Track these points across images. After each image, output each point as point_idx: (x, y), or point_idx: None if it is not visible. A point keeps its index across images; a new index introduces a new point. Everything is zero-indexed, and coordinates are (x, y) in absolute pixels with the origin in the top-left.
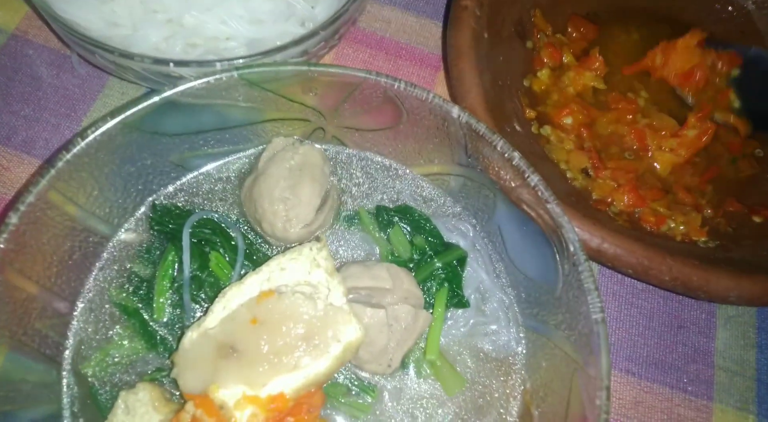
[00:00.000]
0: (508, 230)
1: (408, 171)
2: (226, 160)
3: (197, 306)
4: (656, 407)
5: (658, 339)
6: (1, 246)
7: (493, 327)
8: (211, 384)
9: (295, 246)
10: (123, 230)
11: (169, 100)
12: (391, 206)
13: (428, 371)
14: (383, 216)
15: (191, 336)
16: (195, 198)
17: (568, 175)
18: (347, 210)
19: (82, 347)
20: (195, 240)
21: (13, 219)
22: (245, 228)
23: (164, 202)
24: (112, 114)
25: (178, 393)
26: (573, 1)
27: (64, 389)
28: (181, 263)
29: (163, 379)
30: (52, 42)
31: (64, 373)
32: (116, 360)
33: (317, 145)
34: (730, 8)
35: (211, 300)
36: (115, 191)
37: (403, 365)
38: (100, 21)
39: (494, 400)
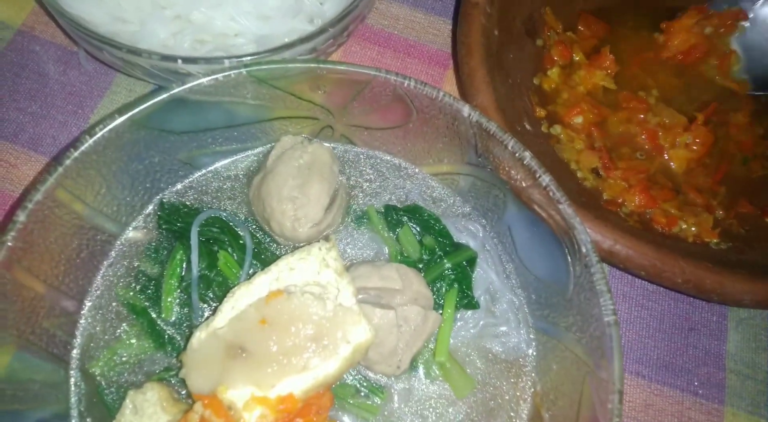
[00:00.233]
0: (518, 230)
1: (417, 170)
2: (235, 158)
3: (205, 305)
4: (666, 410)
5: (668, 341)
6: (10, 244)
7: (503, 328)
8: (219, 385)
9: (303, 245)
10: (131, 228)
11: (177, 98)
12: (400, 206)
13: (437, 372)
14: (392, 216)
15: (200, 336)
16: (203, 196)
17: (579, 174)
18: (356, 209)
19: (90, 346)
20: (203, 239)
21: (21, 217)
22: (254, 227)
23: (172, 200)
24: (120, 111)
25: (184, 392)
26: None
27: (72, 388)
28: (189, 262)
29: (171, 379)
30: (59, 38)
31: (72, 372)
32: (124, 359)
33: (326, 144)
34: None
35: (220, 299)
36: (123, 189)
37: (412, 366)
38: (107, 16)
39: (504, 402)
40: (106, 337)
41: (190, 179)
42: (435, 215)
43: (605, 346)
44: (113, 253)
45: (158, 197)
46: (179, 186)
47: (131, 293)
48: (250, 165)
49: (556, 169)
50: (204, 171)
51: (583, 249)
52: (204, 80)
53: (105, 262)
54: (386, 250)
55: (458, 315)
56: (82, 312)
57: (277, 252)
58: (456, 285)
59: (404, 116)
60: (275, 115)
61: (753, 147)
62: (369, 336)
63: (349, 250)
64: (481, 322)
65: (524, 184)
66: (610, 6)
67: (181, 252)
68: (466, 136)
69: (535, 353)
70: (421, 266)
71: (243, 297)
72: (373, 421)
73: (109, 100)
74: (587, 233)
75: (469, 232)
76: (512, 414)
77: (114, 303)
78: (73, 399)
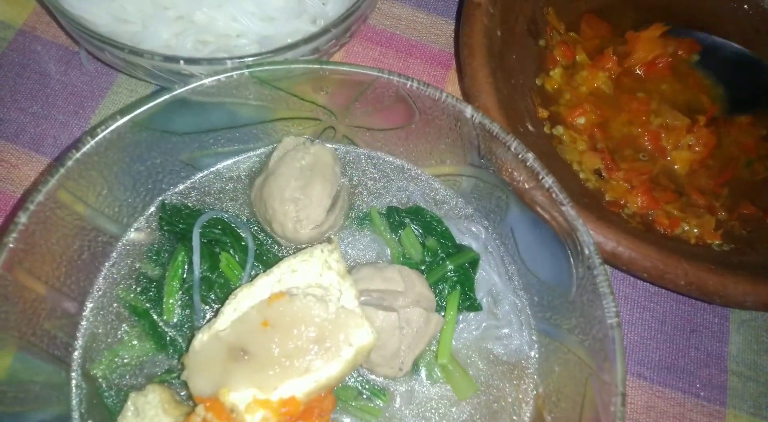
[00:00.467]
0: (520, 232)
1: (420, 171)
2: (237, 159)
3: (207, 307)
4: (668, 412)
5: (670, 343)
6: (11, 245)
7: (506, 330)
8: (221, 387)
9: (306, 247)
10: (132, 230)
11: (179, 98)
12: (402, 207)
13: (440, 375)
14: (394, 218)
15: (202, 338)
16: (205, 197)
17: (581, 176)
18: (358, 211)
19: (92, 347)
20: (205, 241)
21: (23, 218)
22: (255, 228)
23: (174, 201)
24: (122, 112)
25: (185, 394)
26: None
27: (73, 390)
28: (190, 263)
29: (173, 381)
30: (60, 38)
31: (73, 374)
32: (125, 361)
33: (328, 145)
34: (746, 6)
35: (221, 301)
36: (125, 190)
37: (415, 369)
38: (108, 17)
39: (506, 404)
40: (108, 339)
41: (192, 180)
42: (437, 217)
43: (608, 348)
44: (115, 255)
45: (160, 198)
46: (181, 187)
47: (133, 295)
48: (252, 166)
49: (558, 171)
50: (206, 172)
51: (586, 251)
52: (206, 81)
53: (106, 264)
54: (388, 252)
55: (460, 317)
56: (83, 313)
57: (279, 254)
58: (458, 287)
59: (407, 117)
60: (277, 116)
61: (755, 148)
62: (371, 338)
63: (351, 252)
64: (484, 324)
65: (527, 186)
66: (612, 5)
67: (183, 253)
68: (469, 138)
69: (537, 355)
70: (423, 268)
71: (245, 299)
72: None
73: (110, 100)
74: (590, 235)
75: (471, 234)
76: (514, 416)
77: (115, 305)
78: (74, 401)
